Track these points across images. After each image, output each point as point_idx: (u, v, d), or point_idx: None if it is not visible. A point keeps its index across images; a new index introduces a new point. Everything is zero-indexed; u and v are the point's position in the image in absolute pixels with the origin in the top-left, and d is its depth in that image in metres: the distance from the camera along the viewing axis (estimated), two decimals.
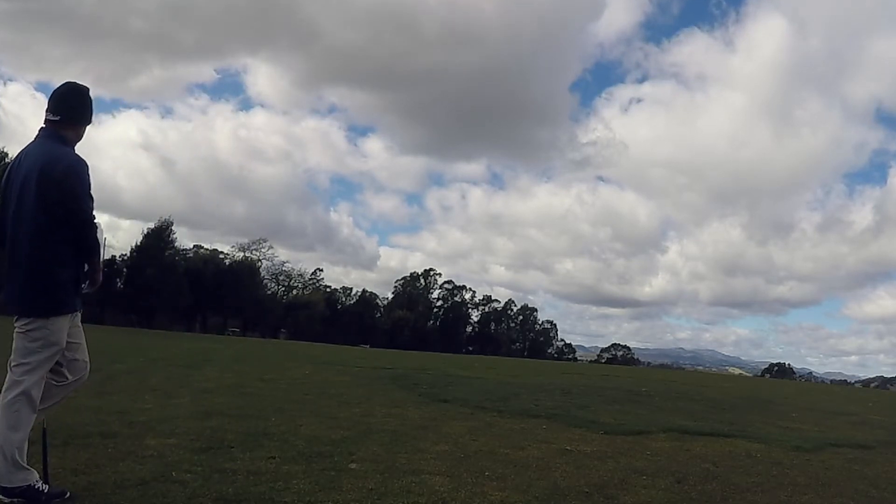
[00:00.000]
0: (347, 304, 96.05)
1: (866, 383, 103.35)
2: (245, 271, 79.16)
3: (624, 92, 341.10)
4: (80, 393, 7.13)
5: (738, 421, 9.44)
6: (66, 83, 3.68)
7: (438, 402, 9.13)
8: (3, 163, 45.07)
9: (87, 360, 3.79)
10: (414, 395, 9.98)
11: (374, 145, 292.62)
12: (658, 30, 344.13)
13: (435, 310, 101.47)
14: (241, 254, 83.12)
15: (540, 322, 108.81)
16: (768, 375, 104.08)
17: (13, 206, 3.51)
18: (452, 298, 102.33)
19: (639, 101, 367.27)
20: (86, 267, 3.62)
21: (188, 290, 69.52)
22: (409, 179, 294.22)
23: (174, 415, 6.46)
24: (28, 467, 3.40)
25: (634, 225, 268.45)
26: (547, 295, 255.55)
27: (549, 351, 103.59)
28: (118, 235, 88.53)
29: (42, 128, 3.61)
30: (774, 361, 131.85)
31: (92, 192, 3.56)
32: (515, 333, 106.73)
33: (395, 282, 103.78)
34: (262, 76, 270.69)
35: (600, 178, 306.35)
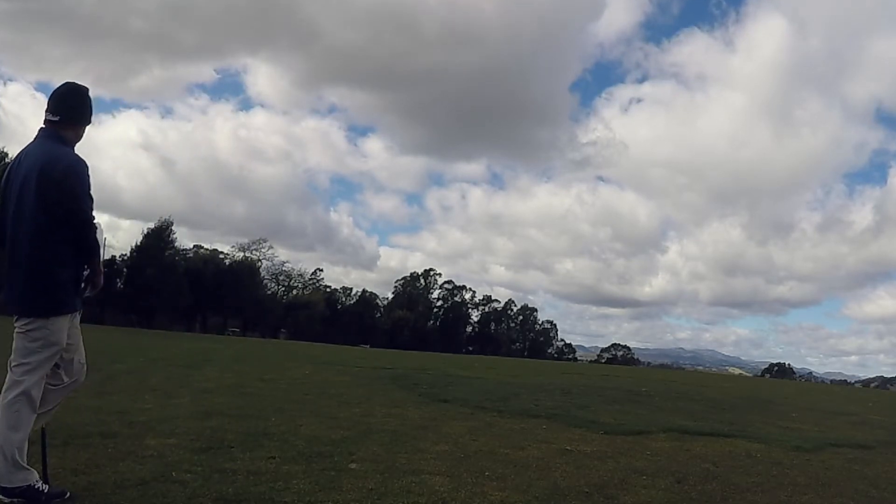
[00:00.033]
0: (347, 304, 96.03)
1: (866, 383, 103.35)
2: (245, 271, 79.13)
3: (624, 92, 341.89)
4: (80, 393, 7.12)
5: (738, 421, 9.44)
6: (66, 83, 3.68)
7: (438, 402, 9.13)
8: (3, 163, 45.03)
9: (84, 361, 3.79)
10: (414, 395, 9.97)
11: (374, 145, 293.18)
12: (658, 30, 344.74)
13: (435, 310, 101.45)
14: (241, 254, 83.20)
15: (540, 322, 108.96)
16: (768, 375, 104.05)
17: (13, 206, 3.51)
18: (452, 298, 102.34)
19: (639, 101, 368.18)
20: (87, 270, 3.62)
21: (188, 290, 69.48)
22: (409, 179, 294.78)
23: (174, 415, 6.46)
24: (28, 467, 3.40)
25: (634, 225, 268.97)
26: (547, 295, 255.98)
27: (549, 351, 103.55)
28: (118, 235, 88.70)
29: (42, 128, 3.61)
30: (774, 361, 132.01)
31: (92, 192, 3.56)
32: (515, 333, 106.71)
33: (395, 282, 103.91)
34: (262, 76, 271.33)
35: (600, 178, 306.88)
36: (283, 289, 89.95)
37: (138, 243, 70.00)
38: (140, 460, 4.43)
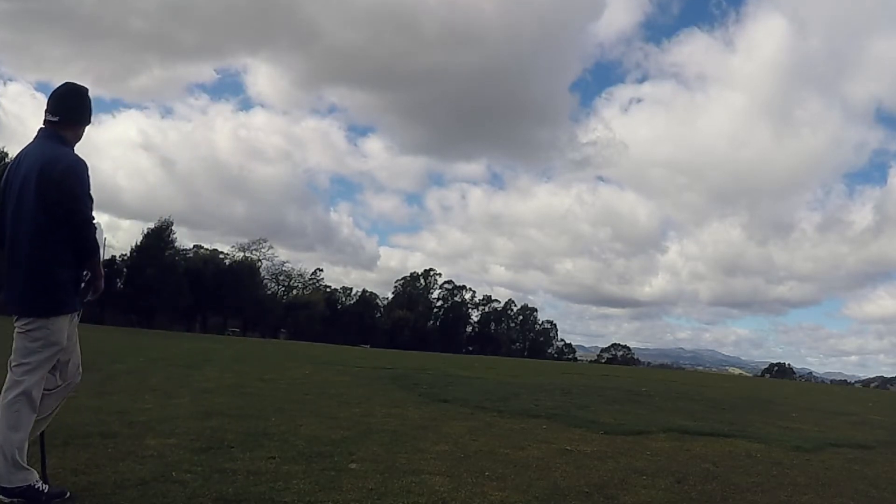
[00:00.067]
0: (347, 304, 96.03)
1: (866, 383, 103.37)
2: (245, 271, 79.13)
3: (624, 92, 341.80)
4: (80, 393, 7.12)
5: (738, 421, 9.44)
6: (65, 84, 3.69)
7: (438, 402, 9.13)
8: (2, 163, 45.07)
9: (80, 363, 3.77)
10: (414, 395, 9.97)
11: (374, 145, 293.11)
12: (658, 30, 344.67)
13: (435, 310, 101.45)
14: (241, 254, 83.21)
15: (540, 322, 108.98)
16: (768, 375, 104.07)
17: (13, 206, 3.51)
18: (452, 298, 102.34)
19: (639, 101, 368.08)
20: (87, 275, 3.62)
21: (188, 290, 69.49)
22: (409, 179, 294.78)
23: (174, 415, 6.46)
24: (28, 467, 3.40)
25: (634, 225, 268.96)
26: (547, 295, 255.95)
27: (549, 351, 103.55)
28: (118, 235, 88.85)
29: (41, 128, 3.62)
30: (774, 361, 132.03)
31: (91, 192, 3.56)
32: (515, 333, 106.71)
33: (395, 282, 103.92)
34: (262, 76, 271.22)
35: (600, 178, 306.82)
36: (283, 289, 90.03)
37: (138, 243, 70.13)
38: (140, 460, 4.43)
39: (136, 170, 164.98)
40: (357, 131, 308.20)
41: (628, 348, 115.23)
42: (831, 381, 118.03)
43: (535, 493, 4.32)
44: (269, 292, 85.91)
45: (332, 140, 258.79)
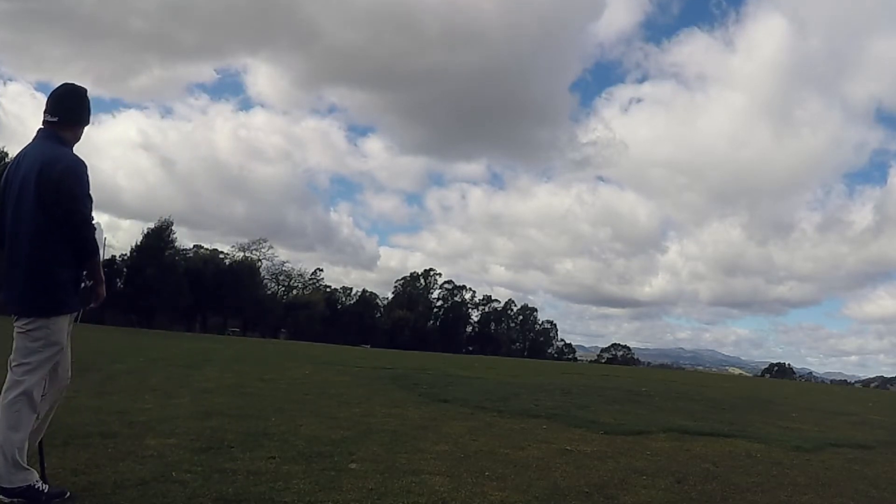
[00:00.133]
0: (347, 304, 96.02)
1: (866, 383, 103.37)
2: (245, 271, 79.13)
3: (624, 92, 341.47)
4: (80, 393, 7.14)
5: (738, 421, 9.44)
6: (64, 84, 3.69)
7: (438, 402, 9.13)
8: (2, 163, 45.07)
9: (69, 367, 3.72)
10: (414, 395, 9.97)
11: (374, 145, 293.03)
12: (658, 30, 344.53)
13: (435, 310, 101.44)
14: (241, 254, 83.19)
15: (540, 322, 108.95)
16: (768, 375, 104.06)
17: (12, 206, 3.52)
18: (452, 298, 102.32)
19: (639, 101, 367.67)
20: (88, 282, 3.61)
21: (188, 290, 69.48)
22: (409, 179, 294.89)
23: (174, 415, 6.46)
24: (28, 467, 3.40)
25: (634, 225, 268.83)
26: (547, 295, 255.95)
27: (549, 351, 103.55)
28: (118, 235, 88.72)
29: (40, 129, 3.62)
30: (774, 361, 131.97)
31: (91, 192, 3.56)
32: (515, 333, 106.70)
33: (395, 282, 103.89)
34: (262, 76, 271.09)
35: (600, 178, 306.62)
36: (283, 289, 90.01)
37: (138, 243, 70.10)
38: (140, 460, 4.43)
39: (135, 170, 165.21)
40: (357, 131, 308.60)
41: (628, 348, 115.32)
42: (831, 381, 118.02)
43: (535, 493, 4.32)
44: (269, 292, 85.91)
45: (332, 140, 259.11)
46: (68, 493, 3.50)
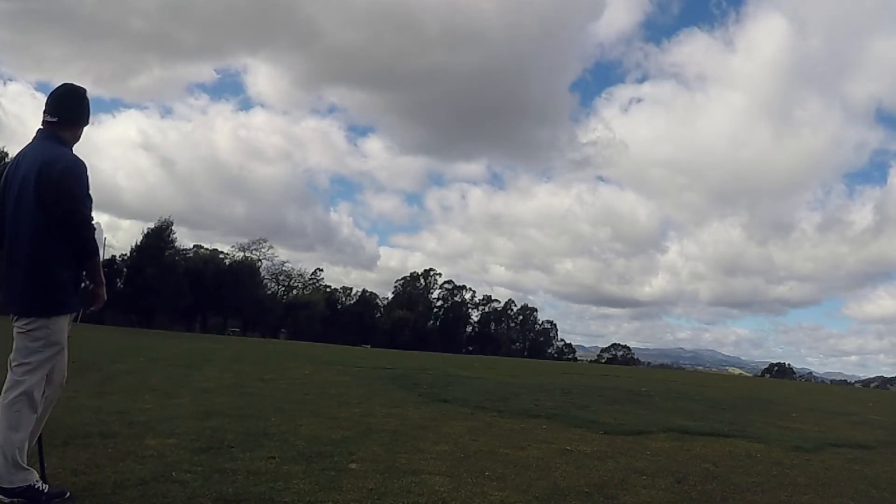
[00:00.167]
0: (347, 304, 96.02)
1: (866, 383, 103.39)
2: (245, 271, 79.13)
3: (624, 92, 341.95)
4: (80, 393, 7.15)
5: (738, 421, 9.44)
6: (63, 85, 3.69)
7: (438, 402, 9.13)
8: (2, 163, 45.06)
9: (66, 368, 3.70)
10: (414, 395, 9.97)
11: (374, 145, 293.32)
12: (658, 30, 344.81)
13: (435, 310, 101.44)
14: (241, 254, 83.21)
15: (540, 322, 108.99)
16: (768, 375, 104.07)
17: (12, 206, 3.52)
18: (452, 298, 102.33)
19: (639, 101, 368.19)
20: (88, 283, 3.61)
21: (188, 290, 69.48)
22: (409, 179, 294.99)
23: (174, 415, 6.46)
24: (28, 468, 3.40)
25: (634, 225, 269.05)
26: (547, 295, 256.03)
27: (549, 351, 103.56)
28: (118, 235, 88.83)
29: (40, 129, 3.62)
30: (774, 361, 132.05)
31: (91, 192, 3.56)
32: (515, 333, 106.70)
33: (395, 282, 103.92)
34: (262, 76, 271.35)
35: (600, 178, 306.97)
36: (283, 289, 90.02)
37: (138, 243, 70.15)
38: (140, 460, 4.43)
39: (135, 170, 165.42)
40: (357, 131, 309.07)
41: (628, 348, 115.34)
42: (831, 381, 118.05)
43: (535, 493, 4.32)
44: (269, 292, 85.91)
45: (332, 140, 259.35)
46: (68, 493, 3.50)
